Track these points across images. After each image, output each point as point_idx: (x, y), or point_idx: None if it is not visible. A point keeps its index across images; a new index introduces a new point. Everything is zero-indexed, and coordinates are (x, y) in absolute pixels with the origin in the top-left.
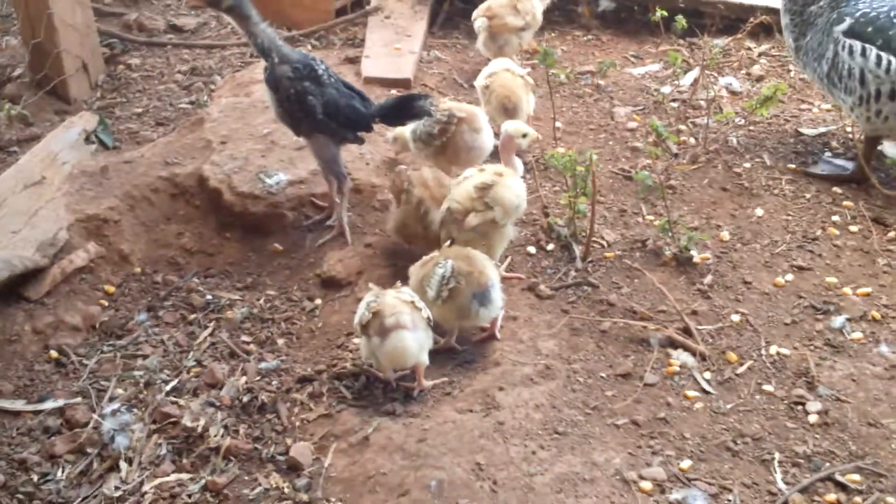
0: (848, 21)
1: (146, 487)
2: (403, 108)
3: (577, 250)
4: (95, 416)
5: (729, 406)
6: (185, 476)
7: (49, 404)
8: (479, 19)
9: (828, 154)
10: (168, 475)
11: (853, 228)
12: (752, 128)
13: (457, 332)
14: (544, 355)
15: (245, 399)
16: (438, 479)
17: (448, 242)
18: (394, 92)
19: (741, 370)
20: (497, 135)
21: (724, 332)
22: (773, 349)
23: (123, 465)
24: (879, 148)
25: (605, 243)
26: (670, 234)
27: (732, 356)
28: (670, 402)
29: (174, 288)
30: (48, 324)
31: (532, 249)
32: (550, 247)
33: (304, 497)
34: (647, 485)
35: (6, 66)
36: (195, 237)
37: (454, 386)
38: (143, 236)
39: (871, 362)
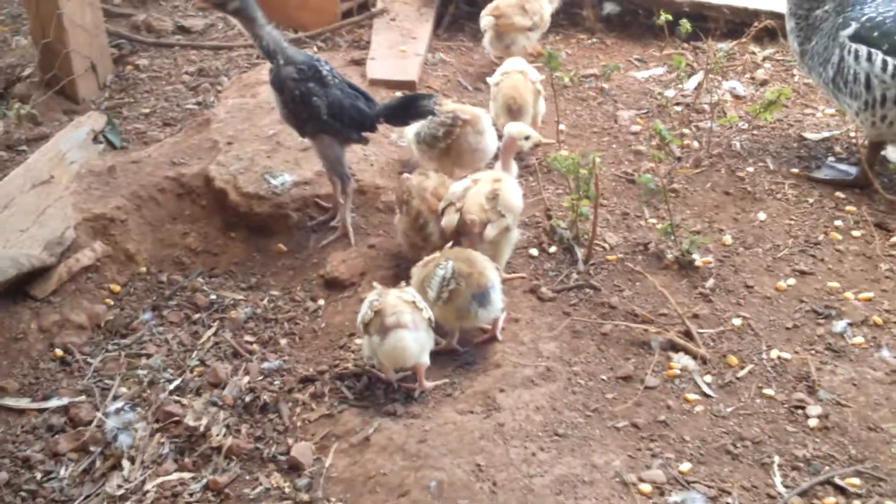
0: (854, 26)
1: (148, 486)
2: (408, 108)
3: (580, 253)
4: (99, 415)
5: (729, 409)
6: (186, 475)
7: (53, 402)
8: (485, 17)
9: (831, 159)
10: (170, 474)
11: (855, 233)
12: (755, 132)
13: (458, 333)
14: (545, 357)
15: (247, 399)
16: (438, 480)
17: (450, 244)
18: (399, 94)
19: (742, 374)
20: (501, 136)
21: (726, 335)
22: (774, 353)
23: (126, 463)
24: (883, 153)
25: (607, 246)
26: (672, 237)
27: (733, 360)
28: (671, 405)
29: (179, 287)
30: (54, 322)
31: (534, 252)
32: (553, 249)
33: (305, 497)
34: (646, 487)
35: (16, 66)
36: (200, 237)
37: (455, 387)
38: (149, 236)
39: (871, 367)
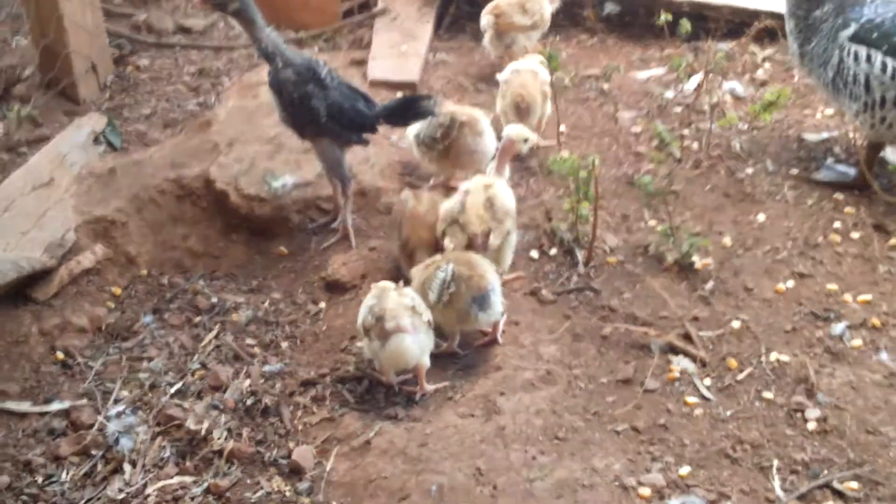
0: (853, 27)
1: (149, 490)
2: (407, 109)
3: (580, 255)
4: (100, 418)
5: (728, 413)
6: (188, 479)
7: (55, 406)
8: (485, 16)
9: (830, 160)
10: (171, 478)
11: (854, 235)
12: (755, 133)
13: (458, 336)
14: (545, 360)
15: (248, 402)
16: (439, 484)
17: (451, 246)
18: (400, 94)
19: (741, 377)
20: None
21: (725, 338)
22: (774, 356)
23: (127, 467)
24: (882, 154)
25: (607, 248)
26: (672, 239)
27: (733, 363)
28: (670, 409)
29: (180, 290)
30: (55, 325)
31: (535, 254)
32: (553, 251)
33: (306, 500)
34: (645, 491)
35: (16, 67)
36: (201, 239)
37: (456, 391)
38: (149, 238)
39: (870, 370)
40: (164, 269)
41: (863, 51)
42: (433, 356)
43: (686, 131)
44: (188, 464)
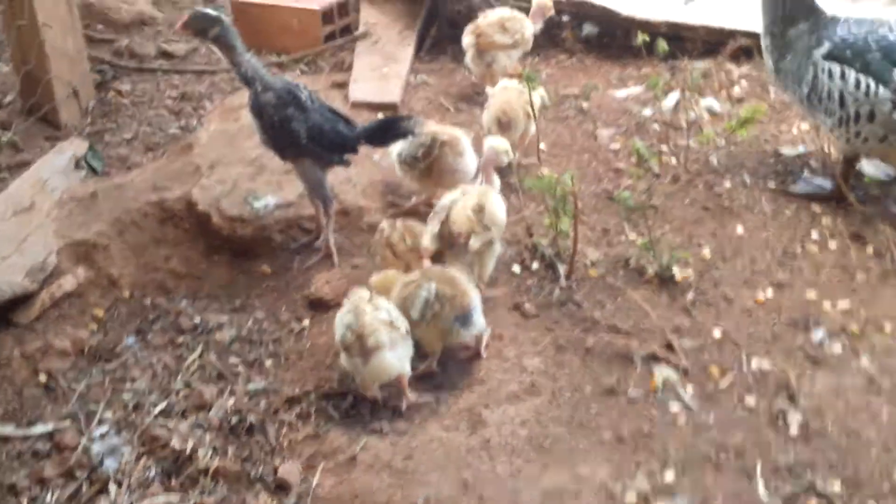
0: (827, 45)
1: None
2: (387, 130)
3: (562, 269)
4: (84, 440)
5: (711, 419)
6: (174, 498)
7: (39, 428)
8: (467, 36)
9: (807, 173)
10: (157, 497)
11: (832, 245)
12: (732, 148)
13: (438, 354)
14: (529, 372)
15: (233, 420)
16: (426, 497)
17: (428, 263)
18: (381, 116)
19: (723, 384)
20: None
21: (706, 347)
22: (755, 364)
23: (113, 487)
24: (858, 166)
25: (588, 262)
26: (652, 252)
27: (714, 371)
28: (654, 417)
29: (163, 311)
30: (37, 348)
31: (517, 269)
32: (535, 266)
33: None
34: (631, 497)
35: None
36: (184, 261)
37: (440, 404)
38: (132, 260)
39: (850, 375)
40: (146, 291)
41: (837, 68)
42: (413, 378)
43: (664, 147)
44: (174, 483)
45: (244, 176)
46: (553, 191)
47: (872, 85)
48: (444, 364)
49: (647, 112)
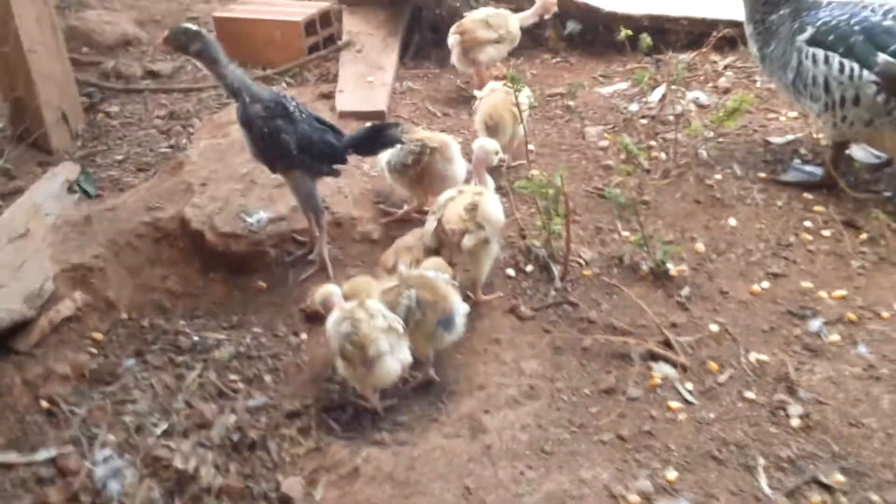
0: (810, 30)
1: None
2: (375, 138)
3: (556, 270)
4: (88, 464)
5: (712, 415)
6: None
7: (41, 454)
8: (451, 35)
9: (797, 161)
10: None
11: (825, 233)
12: (721, 140)
13: (432, 360)
14: (528, 376)
15: (235, 437)
16: None
17: (409, 267)
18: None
19: (722, 379)
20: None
21: (704, 342)
22: (753, 356)
23: None
24: (847, 152)
25: (582, 262)
26: (646, 248)
27: (713, 366)
28: (654, 415)
29: (161, 331)
30: (38, 374)
31: (511, 272)
32: (529, 268)
33: None
34: (634, 498)
35: None
36: (180, 280)
37: (441, 412)
38: (128, 282)
39: (849, 364)
40: (144, 312)
41: (820, 53)
42: (411, 389)
43: (653, 142)
44: (178, 503)
45: (236, 192)
46: (544, 192)
47: (856, 68)
48: (444, 370)
49: (634, 108)
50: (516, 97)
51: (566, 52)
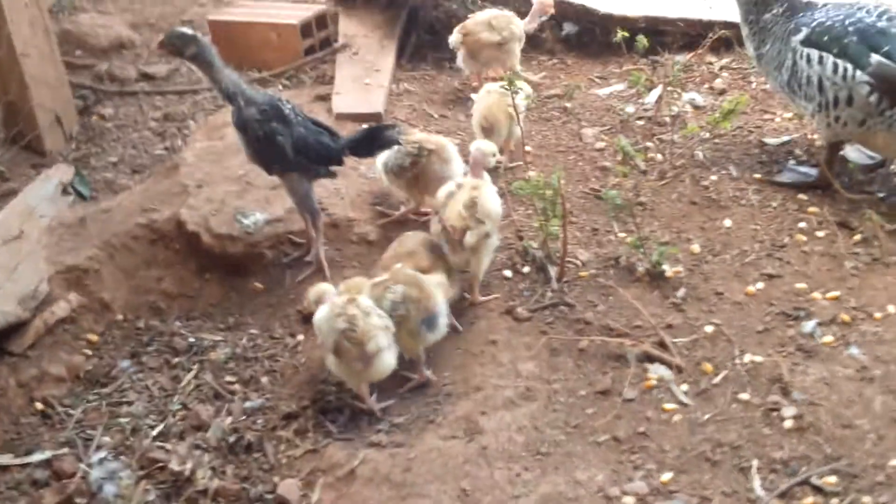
0: (805, 31)
1: None
2: (372, 140)
3: (552, 271)
4: (83, 466)
5: (706, 416)
6: None
7: (36, 456)
8: (455, 34)
9: (792, 162)
10: None
11: (820, 234)
12: (716, 141)
13: (423, 358)
14: (524, 377)
15: (231, 439)
16: None
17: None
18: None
19: (717, 380)
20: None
21: (699, 343)
22: (747, 357)
23: None
24: (842, 153)
25: (579, 263)
26: (642, 250)
27: (708, 367)
28: (649, 416)
29: (157, 333)
30: (33, 376)
31: (508, 273)
32: (526, 269)
33: None
34: (629, 500)
35: None
36: (176, 281)
37: (437, 413)
38: (123, 283)
39: (842, 365)
40: (139, 313)
41: (815, 53)
42: (408, 391)
43: (649, 144)
44: None
45: (232, 194)
46: (541, 193)
47: (850, 69)
48: (441, 372)
49: (631, 109)
50: (513, 98)
51: (563, 53)
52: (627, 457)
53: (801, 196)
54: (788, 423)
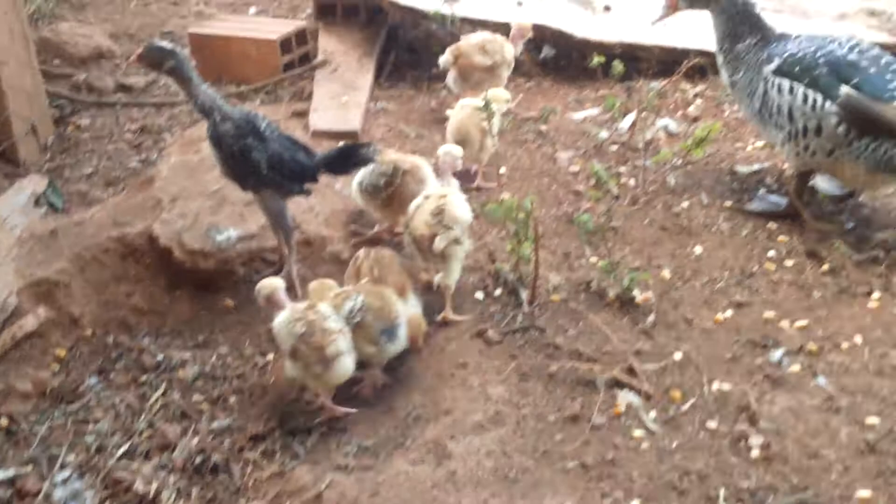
0: (777, 61)
1: None
2: (346, 158)
3: (524, 295)
4: (46, 485)
5: (674, 444)
6: None
7: (0, 474)
8: (447, 54)
9: (762, 191)
10: None
11: (788, 263)
12: (689, 167)
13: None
14: (494, 401)
15: (197, 460)
16: None
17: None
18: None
19: (685, 408)
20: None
21: (668, 370)
22: (715, 386)
23: None
24: (811, 183)
25: (550, 287)
26: (613, 275)
27: (676, 394)
28: (617, 444)
29: (125, 349)
30: None
31: (480, 295)
32: (498, 292)
33: None
34: None
35: None
36: (146, 297)
37: (406, 437)
38: (93, 298)
39: (809, 394)
40: (108, 329)
41: (786, 83)
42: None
43: (623, 169)
44: None
45: (206, 209)
46: (514, 216)
47: (819, 99)
48: (410, 395)
49: (605, 134)
50: (489, 122)
51: (540, 76)
52: (595, 484)
53: (771, 225)
54: (755, 453)
